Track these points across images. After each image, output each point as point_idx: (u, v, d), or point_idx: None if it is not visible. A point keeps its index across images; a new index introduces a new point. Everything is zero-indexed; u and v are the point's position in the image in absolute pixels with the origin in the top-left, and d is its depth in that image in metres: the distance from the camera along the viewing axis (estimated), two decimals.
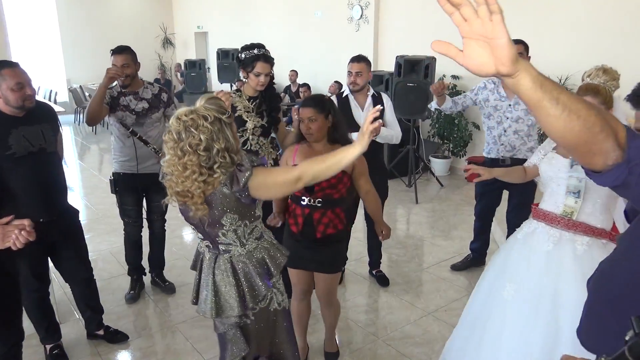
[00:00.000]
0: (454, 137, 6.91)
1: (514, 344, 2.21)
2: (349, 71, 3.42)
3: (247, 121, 2.98)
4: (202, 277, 1.99)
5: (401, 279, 3.91)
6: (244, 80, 3.03)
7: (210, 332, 3.12)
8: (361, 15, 8.41)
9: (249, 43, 3.01)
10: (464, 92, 4.33)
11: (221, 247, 1.91)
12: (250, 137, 2.99)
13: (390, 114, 3.54)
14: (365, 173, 2.55)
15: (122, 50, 3.23)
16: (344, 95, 3.52)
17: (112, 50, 3.26)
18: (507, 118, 3.56)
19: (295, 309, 2.67)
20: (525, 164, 2.64)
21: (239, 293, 1.88)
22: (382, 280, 3.82)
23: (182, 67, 11.92)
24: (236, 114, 2.94)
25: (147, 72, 12.92)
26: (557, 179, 2.33)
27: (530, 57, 3.44)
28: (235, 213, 1.81)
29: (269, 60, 2.95)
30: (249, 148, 2.99)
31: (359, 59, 3.43)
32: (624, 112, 2.38)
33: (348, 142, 2.44)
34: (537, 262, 2.26)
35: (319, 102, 2.49)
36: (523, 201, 3.42)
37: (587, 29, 6.00)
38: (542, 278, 2.21)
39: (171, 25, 14.14)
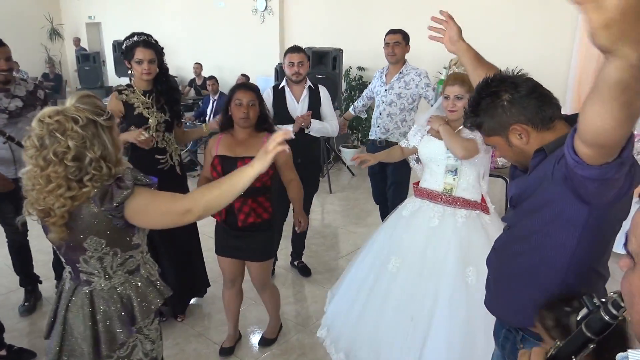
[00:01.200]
0: (362, 126, 7.11)
1: (397, 314, 2.40)
2: (290, 62, 3.39)
3: (148, 118, 2.81)
4: (58, 308, 1.64)
5: (322, 268, 3.97)
6: (131, 73, 2.84)
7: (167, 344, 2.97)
8: (265, 7, 8.35)
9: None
10: (369, 82, 4.49)
11: (82, 276, 1.56)
12: (155, 134, 2.83)
13: (327, 106, 3.57)
14: (289, 162, 2.55)
15: (1, 42, 2.92)
16: (280, 87, 3.49)
17: None
18: (383, 102, 3.81)
19: (224, 295, 2.77)
20: (402, 144, 2.83)
21: (93, 337, 1.54)
22: (304, 271, 3.86)
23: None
24: (135, 112, 2.78)
25: (34, 66, 11.84)
26: (436, 160, 2.52)
27: (409, 46, 3.70)
28: (102, 237, 1.48)
29: (150, 45, 2.77)
30: (155, 146, 2.83)
31: (298, 49, 3.44)
32: None
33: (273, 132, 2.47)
34: (423, 236, 2.47)
35: (256, 88, 2.52)
36: (399, 180, 3.71)
37: (487, 18, 6.44)
38: (426, 251, 2.42)
39: (58, 16, 13.03)
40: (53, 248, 3.20)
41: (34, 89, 3.05)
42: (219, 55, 9.39)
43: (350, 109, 4.34)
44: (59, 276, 3.26)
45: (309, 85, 3.52)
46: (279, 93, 3.49)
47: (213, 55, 9.46)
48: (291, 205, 3.68)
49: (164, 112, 2.87)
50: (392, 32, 3.72)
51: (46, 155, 1.38)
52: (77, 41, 11.90)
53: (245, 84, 2.56)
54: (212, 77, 7.51)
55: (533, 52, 5.72)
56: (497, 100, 1.38)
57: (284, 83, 3.52)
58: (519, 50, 6.04)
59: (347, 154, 7.23)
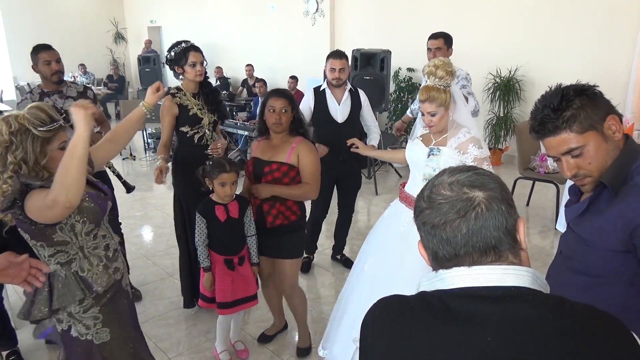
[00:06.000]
0: (411, 129, 7.05)
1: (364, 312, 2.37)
2: (331, 68, 3.47)
3: (202, 117, 3.00)
4: None
5: None
6: (181, 78, 3.02)
7: (173, 331, 3.12)
8: (317, 9, 8.44)
9: (172, 43, 3.03)
10: (419, 84, 4.46)
11: None
12: (207, 132, 3.04)
13: (367, 110, 3.64)
14: (309, 167, 2.53)
15: (51, 47, 3.10)
16: (321, 89, 3.58)
17: (37, 47, 3.07)
18: None
19: (264, 293, 2.91)
20: None
21: (31, 301, 1.79)
22: (348, 263, 3.89)
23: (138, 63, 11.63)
24: (190, 113, 2.97)
25: (99, 68, 12.55)
26: (417, 165, 2.46)
27: (452, 50, 3.59)
28: (25, 232, 1.68)
29: (198, 49, 2.98)
30: (205, 143, 3.02)
31: (341, 55, 3.49)
32: (465, 104, 2.52)
33: (307, 136, 2.59)
34: (392, 239, 2.43)
35: (289, 94, 2.58)
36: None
37: (533, 22, 6.25)
38: (394, 253, 2.38)
39: (122, 20, 13.74)
40: None
41: (84, 90, 3.26)
42: (270, 57, 9.59)
43: (408, 111, 4.26)
44: None
45: (350, 88, 3.57)
46: (320, 95, 3.56)
47: (265, 56, 9.67)
48: (333, 201, 3.87)
49: (213, 113, 3.06)
50: (433, 36, 3.66)
51: None
52: (148, 43, 12.46)
53: (278, 91, 2.60)
54: (260, 80, 7.71)
55: (592, 57, 5.50)
56: (589, 93, 1.33)
57: (324, 85, 3.59)
58: (579, 56, 5.83)
59: None
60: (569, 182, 3.52)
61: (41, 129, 1.62)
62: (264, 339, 3.00)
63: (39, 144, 1.63)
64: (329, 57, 3.51)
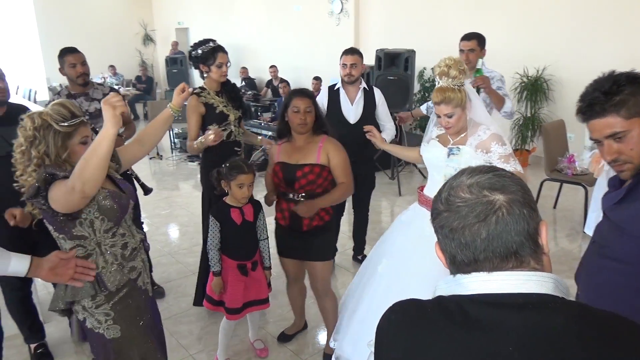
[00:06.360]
0: (419, 123, 6.99)
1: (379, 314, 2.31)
2: (343, 64, 3.46)
3: (228, 115, 3.05)
4: None
5: None
6: (205, 76, 3.06)
7: (194, 328, 3.16)
8: (341, 9, 8.44)
9: (198, 40, 3.06)
10: None
11: None
12: (233, 128, 3.08)
13: (382, 109, 3.60)
14: (341, 165, 2.53)
15: (76, 50, 3.18)
16: (336, 88, 3.57)
17: (63, 50, 3.16)
18: None
19: (289, 292, 2.93)
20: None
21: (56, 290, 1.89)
22: None
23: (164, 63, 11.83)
24: (217, 111, 3.01)
25: (129, 69, 12.81)
26: (437, 167, 2.37)
27: (485, 51, 3.51)
28: (48, 223, 1.75)
29: (225, 50, 3.03)
30: (234, 139, 3.08)
31: (353, 51, 3.48)
32: (481, 101, 2.45)
33: (331, 133, 2.57)
34: (411, 242, 2.34)
35: (311, 94, 2.55)
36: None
37: (561, 20, 6.12)
38: (412, 256, 2.29)
39: (151, 22, 14.00)
40: None
41: (109, 92, 3.31)
42: (294, 58, 9.63)
43: (423, 107, 4.08)
44: None
45: (364, 87, 3.54)
46: (334, 94, 3.55)
47: (289, 57, 9.72)
48: (348, 203, 3.84)
49: (237, 109, 3.12)
50: (465, 37, 3.51)
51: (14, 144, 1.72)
52: (175, 45, 12.66)
53: (300, 91, 2.57)
54: (283, 81, 7.76)
55: (623, 56, 5.34)
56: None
57: (339, 84, 3.58)
58: (610, 54, 5.68)
59: None
60: (600, 181, 3.43)
61: (62, 124, 1.68)
62: (284, 338, 3.01)
63: (60, 138, 1.69)
64: (342, 54, 3.49)
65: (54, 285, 2.99)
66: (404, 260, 2.35)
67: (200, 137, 2.98)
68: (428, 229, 2.31)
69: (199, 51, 3.00)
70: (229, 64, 3.03)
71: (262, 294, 2.65)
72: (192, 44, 3.16)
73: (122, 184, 1.92)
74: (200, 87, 3.08)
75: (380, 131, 3.69)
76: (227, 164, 2.53)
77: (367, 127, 2.73)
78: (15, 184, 1.74)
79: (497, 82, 3.49)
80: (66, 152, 1.72)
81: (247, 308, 2.62)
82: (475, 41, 3.47)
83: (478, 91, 3.26)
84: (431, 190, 2.43)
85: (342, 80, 3.53)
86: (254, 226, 2.58)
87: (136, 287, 1.94)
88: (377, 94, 3.59)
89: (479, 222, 0.82)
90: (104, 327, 1.86)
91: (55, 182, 1.64)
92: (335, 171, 2.53)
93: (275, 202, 2.60)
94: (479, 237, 0.82)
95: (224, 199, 2.58)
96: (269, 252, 2.65)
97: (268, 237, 2.64)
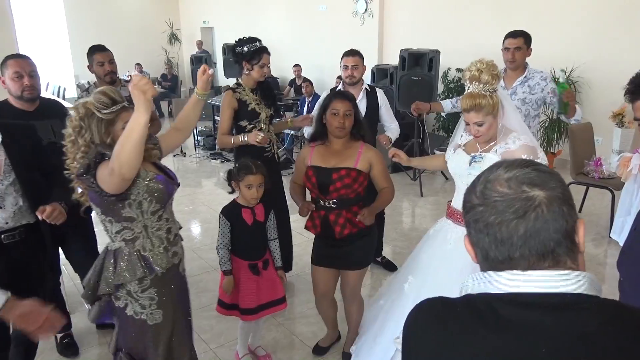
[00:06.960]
0: (438, 116, 6.93)
1: None
2: (344, 65, 3.44)
3: (260, 113, 3.10)
4: None
5: None
6: (246, 73, 3.10)
7: (215, 323, 3.19)
8: (366, 9, 8.42)
9: (244, 37, 3.11)
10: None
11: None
12: (264, 126, 3.13)
13: (385, 109, 3.56)
14: (384, 171, 2.49)
15: (105, 48, 3.24)
16: (337, 89, 3.55)
17: (92, 48, 3.22)
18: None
19: (319, 307, 2.77)
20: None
21: (90, 278, 1.91)
22: (389, 266, 3.86)
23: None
24: (249, 108, 3.08)
25: (155, 67, 13.01)
26: (460, 176, 2.23)
27: (531, 49, 3.43)
28: (97, 206, 1.80)
29: (269, 52, 3.10)
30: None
31: (353, 52, 3.46)
32: (514, 108, 2.34)
33: (371, 139, 2.53)
34: (438, 258, 2.25)
35: (352, 97, 2.48)
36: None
37: (589, 21, 6.00)
38: (438, 271, 2.20)
39: (177, 21, 14.19)
40: None
41: (127, 78, 3.38)
42: (318, 57, 9.64)
43: (446, 103, 3.87)
44: None
45: (366, 88, 3.50)
46: None
47: (313, 57, 9.74)
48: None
49: (269, 108, 3.18)
50: (511, 35, 3.35)
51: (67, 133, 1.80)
52: (199, 44, 12.84)
53: (341, 93, 2.50)
54: (306, 80, 7.77)
55: None
56: None
57: (340, 86, 3.55)
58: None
59: None
60: (628, 186, 3.36)
61: (104, 111, 1.74)
62: (319, 350, 2.89)
63: (103, 125, 1.76)
64: (342, 55, 3.48)
65: (81, 278, 3.06)
66: (428, 278, 2.25)
67: (241, 135, 3.04)
68: (453, 243, 2.17)
69: (245, 48, 3.06)
70: (269, 65, 3.10)
71: (278, 294, 2.59)
72: (237, 39, 3.19)
73: (168, 171, 1.99)
74: (236, 83, 3.16)
75: (378, 133, 3.63)
76: (237, 165, 2.51)
77: (391, 152, 2.56)
78: (65, 172, 1.83)
79: (550, 83, 3.40)
80: (109, 137, 1.77)
81: (262, 310, 2.56)
82: (522, 39, 3.32)
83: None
84: (458, 201, 2.30)
85: (344, 82, 3.50)
86: (264, 226, 2.55)
87: (178, 273, 1.99)
88: (380, 94, 3.55)
89: (518, 219, 0.79)
90: (148, 312, 1.90)
91: (104, 161, 1.70)
92: (378, 177, 2.49)
93: (311, 210, 2.48)
94: (516, 233, 0.79)
95: (235, 199, 2.55)
96: (279, 252, 2.61)
97: (277, 238, 2.60)
